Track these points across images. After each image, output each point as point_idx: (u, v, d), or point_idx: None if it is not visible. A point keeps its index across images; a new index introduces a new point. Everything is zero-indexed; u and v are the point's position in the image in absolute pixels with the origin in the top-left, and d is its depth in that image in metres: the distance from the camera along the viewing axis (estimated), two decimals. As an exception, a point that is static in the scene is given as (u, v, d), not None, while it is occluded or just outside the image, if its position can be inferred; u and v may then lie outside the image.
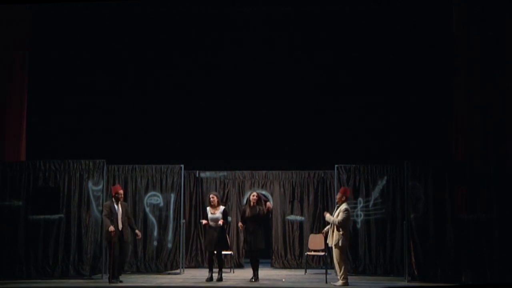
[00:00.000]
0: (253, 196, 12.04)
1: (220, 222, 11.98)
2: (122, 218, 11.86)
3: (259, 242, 11.87)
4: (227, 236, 13.76)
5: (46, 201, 12.69)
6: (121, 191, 12.06)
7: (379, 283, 12.06)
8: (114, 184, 13.01)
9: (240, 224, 12.21)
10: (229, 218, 14.13)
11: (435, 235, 12.22)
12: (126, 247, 12.23)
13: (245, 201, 14.24)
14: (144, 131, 15.07)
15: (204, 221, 12.23)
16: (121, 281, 11.77)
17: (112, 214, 11.78)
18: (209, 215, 12.05)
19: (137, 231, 12.14)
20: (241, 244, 14.16)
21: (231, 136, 15.07)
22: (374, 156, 14.36)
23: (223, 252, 12.31)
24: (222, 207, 12.17)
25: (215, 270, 12.10)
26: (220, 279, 11.97)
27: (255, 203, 11.95)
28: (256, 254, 11.97)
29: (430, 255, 12.18)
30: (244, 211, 12.09)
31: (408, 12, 14.69)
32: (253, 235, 11.84)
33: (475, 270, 11.99)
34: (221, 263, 12.17)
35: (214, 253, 12.13)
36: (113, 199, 11.93)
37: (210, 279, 11.96)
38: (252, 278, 11.90)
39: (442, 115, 14.51)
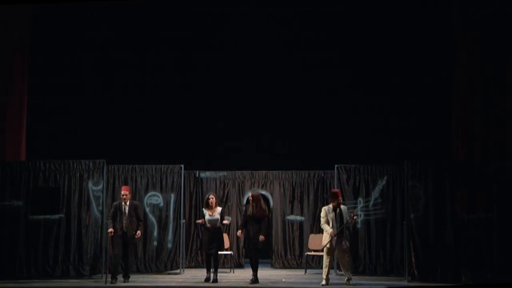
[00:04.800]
0: (249, 196, 12.13)
1: (226, 221, 12.23)
2: (127, 218, 11.85)
3: (257, 244, 11.85)
4: (227, 236, 13.82)
5: (46, 201, 12.69)
6: (124, 192, 12.01)
7: (379, 283, 12.08)
8: (114, 184, 13.10)
9: (239, 231, 12.17)
10: (229, 218, 14.16)
11: (435, 235, 12.23)
12: (130, 246, 12.05)
13: (245, 201, 14.31)
14: (144, 131, 15.06)
15: (200, 220, 12.26)
16: (127, 281, 11.87)
17: (117, 214, 11.85)
18: (207, 217, 12.01)
19: (138, 232, 12.05)
20: (241, 244, 14.19)
21: (231, 136, 15.07)
22: (374, 156, 14.36)
23: (222, 252, 12.29)
24: (219, 208, 12.17)
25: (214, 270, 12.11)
26: (215, 280, 11.90)
27: (252, 203, 11.97)
28: (255, 254, 11.90)
29: (430, 255, 12.18)
30: (246, 211, 12.12)
31: (408, 13, 14.68)
32: (250, 237, 11.84)
33: (475, 270, 12.00)
34: (217, 264, 12.09)
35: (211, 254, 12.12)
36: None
37: (208, 279, 11.97)
38: (252, 279, 11.82)
39: (442, 115, 14.51)
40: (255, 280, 11.78)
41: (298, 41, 15.13)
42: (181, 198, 13.48)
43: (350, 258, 11.83)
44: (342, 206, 11.66)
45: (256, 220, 11.86)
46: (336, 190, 12.10)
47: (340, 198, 11.71)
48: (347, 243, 11.61)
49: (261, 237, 11.77)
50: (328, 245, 11.53)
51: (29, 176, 12.72)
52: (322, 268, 11.78)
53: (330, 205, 11.66)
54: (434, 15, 14.53)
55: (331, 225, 11.53)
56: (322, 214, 11.66)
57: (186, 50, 15.20)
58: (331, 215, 11.54)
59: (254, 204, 11.93)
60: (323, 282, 11.56)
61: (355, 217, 11.75)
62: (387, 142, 14.70)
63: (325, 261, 11.62)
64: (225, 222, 12.27)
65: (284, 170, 14.54)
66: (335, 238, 11.48)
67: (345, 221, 11.52)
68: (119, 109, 15.13)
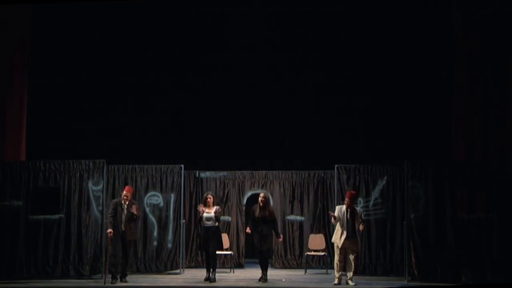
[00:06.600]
0: (261, 197, 12.10)
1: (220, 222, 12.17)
2: (125, 218, 11.85)
3: (269, 244, 11.94)
4: (227, 236, 13.82)
5: (46, 201, 12.69)
6: (126, 193, 11.97)
7: (379, 283, 12.08)
8: (114, 184, 13.13)
9: (248, 229, 12.19)
10: (229, 218, 14.15)
11: (435, 235, 12.23)
12: (128, 247, 12.05)
13: (245, 201, 14.30)
14: (144, 131, 15.05)
15: (200, 208, 12.23)
16: (126, 281, 11.85)
17: (116, 212, 11.83)
18: (204, 214, 12.02)
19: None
20: (241, 244, 14.19)
21: (231, 136, 15.06)
22: (374, 156, 14.36)
23: (222, 252, 12.26)
24: (216, 207, 12.16)
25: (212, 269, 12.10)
26: (213, 279, 11.90)
27: (263, 204, 11.98)
28: (265, 255, 12.03)
29: (430, 255, 12.18)
30: (254, 212, 12.10)
31: (408, 13, 14.67)
32: (262, 236, 11.89)
33: (475, 270, 12.00)
34: (215, 264, 12.08)
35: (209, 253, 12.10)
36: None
37: (208, 278, 11.97)
38: (260, 278, 11.96)
39: (442, 115, 14.50)
40: (265, 279, 11.94)
41: (298, 41, 15.11)
42: (181, 198, 13.48)
43: (356, 260, 11.86)
44: (355, 208, 11.72)
45: (264, 221, 11.92)
46: (350, 192, 12.03)
47: (348, 200, 11.65)
48: (358, 245, 11.74)
49: (281, 239, 12.20)
50: (338, 243, 11.53)
51: (29, 176, 12.71)
52: (321, 268, 11.78)
53: (343, 205, 11.68)
54: (434, 15, 14.52)
55: (341, 224, 11.53)
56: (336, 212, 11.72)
57: (186, 50, 15.19)
58: (343, 214, 11.55)
59: (264, 206, 11.97)
60: (336, 281, 11.58)
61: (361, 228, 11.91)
62: (387, 142, 14.69)
63: (338, 258, 11.62)
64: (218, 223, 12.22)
65: (284, 170, 14.54)
66: (347, 237, 11.49)
67: (356, 222, 11.57)
68: (119, 109, 15.12)
